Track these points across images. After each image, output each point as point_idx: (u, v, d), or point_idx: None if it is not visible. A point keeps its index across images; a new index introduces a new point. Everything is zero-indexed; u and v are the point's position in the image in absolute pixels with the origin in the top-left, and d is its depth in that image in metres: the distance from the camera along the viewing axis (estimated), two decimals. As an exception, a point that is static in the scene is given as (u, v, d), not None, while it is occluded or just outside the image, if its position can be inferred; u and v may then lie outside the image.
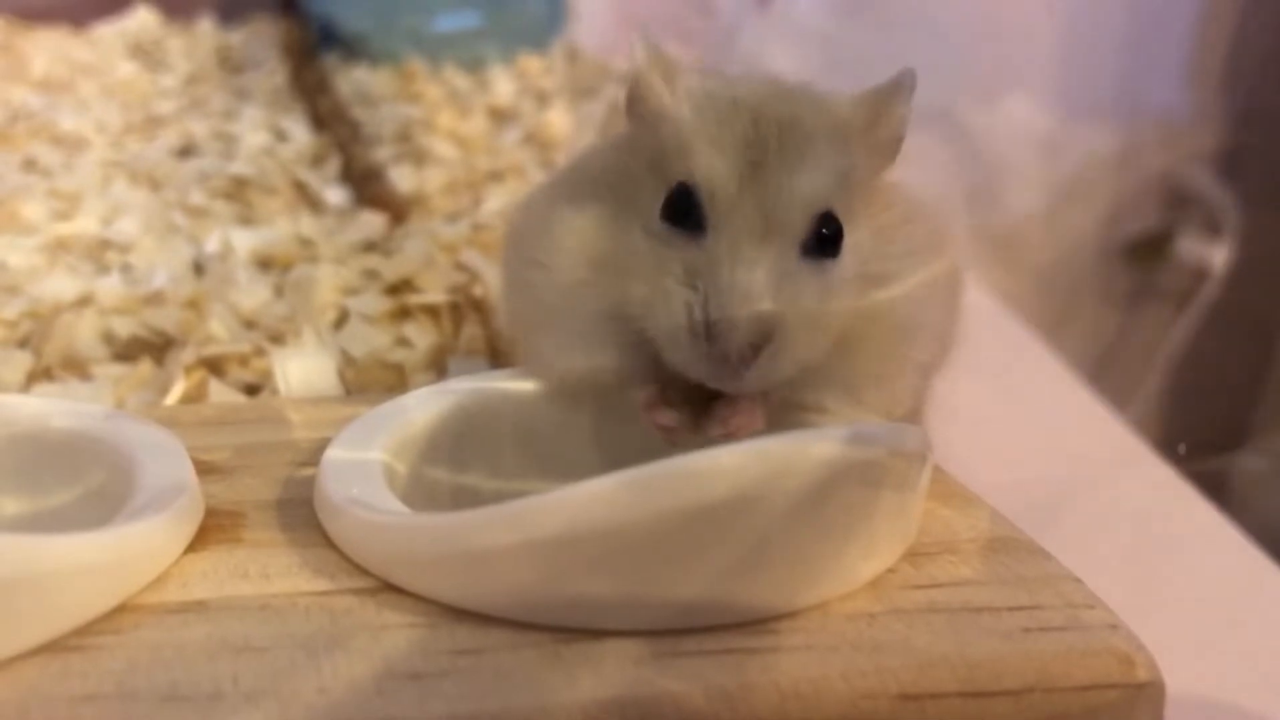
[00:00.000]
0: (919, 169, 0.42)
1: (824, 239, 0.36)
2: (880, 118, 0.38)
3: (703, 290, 0.35)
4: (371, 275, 0.63)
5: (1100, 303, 1.12)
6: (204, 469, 0.38)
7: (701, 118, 0.37)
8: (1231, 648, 0.49)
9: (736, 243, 0.35)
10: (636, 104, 0.39)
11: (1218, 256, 1.04)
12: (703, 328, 0.34)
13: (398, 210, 0.74)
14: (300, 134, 0.87)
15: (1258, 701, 0.46)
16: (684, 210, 0.36)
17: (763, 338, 0.34)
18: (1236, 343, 0.99)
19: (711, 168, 0.36)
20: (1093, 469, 0.66)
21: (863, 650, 0.31)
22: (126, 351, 0.56)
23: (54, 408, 0.39)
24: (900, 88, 0.38)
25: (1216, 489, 0.63)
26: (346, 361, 0.55)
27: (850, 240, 0.37)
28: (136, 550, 0.32)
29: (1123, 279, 1.12)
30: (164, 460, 0.36)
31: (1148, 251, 1.12)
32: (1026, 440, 0.66)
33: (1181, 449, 0.63)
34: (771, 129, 0.36)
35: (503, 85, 1.01)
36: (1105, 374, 1.04)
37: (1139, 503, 0.62)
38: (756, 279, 0.34)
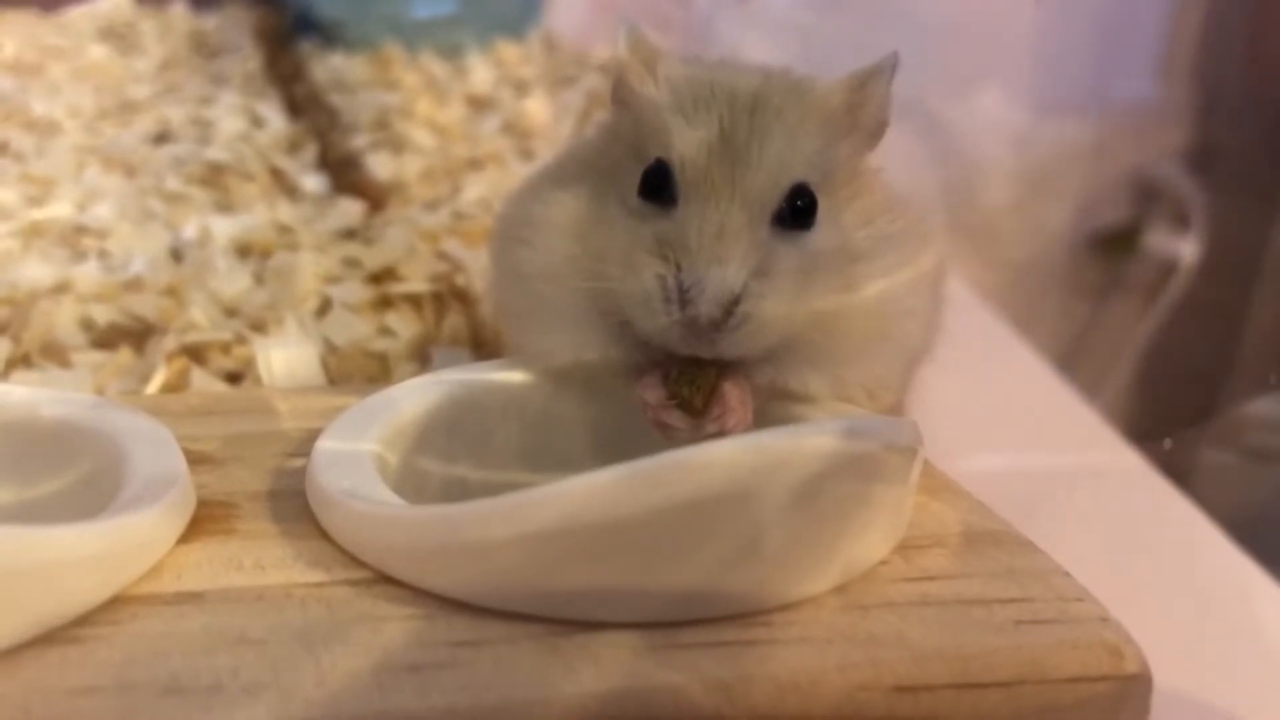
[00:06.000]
0: (892, 162, 0.42)
1: (797, 210, 0.37)
2: (860, 99, 0.39)
3: (673, 258, 0.35)
4: (352, 263, 0.63)
5: (1071, 295, 1.13)
6: (194, 459, 0.37)
7: (678, 98, 0.38)
8: (1198, 635, 0.50)
9: (705, 211, 0.36)
10: (619, 90, 0.40)
11: (1186, 249, 1.05)
12: (675, 293, 0.35)
13: (376, 198, 0.73)
14: (277, 120, 0.86)
15: (1222, 687, 0.47)
16: (658, 184, 0.37)
17: (731, 300, 0.35)
18: (1204, 334, 1.00)
19: (683, 140, 0.36)
20: (1064, 458, 0.66)
21: (857, 643, 0.31)
22: (105, 339, 0.55)
23: (42, 396, 0.38)
24: (881, 70, 0.39)
25: (1184, 478, 0.64)
26: (329, 350, 0.54)
27: (829, 216, 0.38)
28: (130, 541, 0.32)
29: (1093, 271, 1.13)
30: (154, 450, 0.36)
31: (1118, 244, 1.13)
32: (998, 430, 0.66)
33: (1167, 444, 0.64)
34: (745, 105, 0.37)
35: (480, 73, 1.01)
36: (1076, 364, 1.05)
37: (1109, 491, 0.63)
38: (724, 245, 0.35)
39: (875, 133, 0.40)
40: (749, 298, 0.35)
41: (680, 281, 0.35)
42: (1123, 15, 1.12)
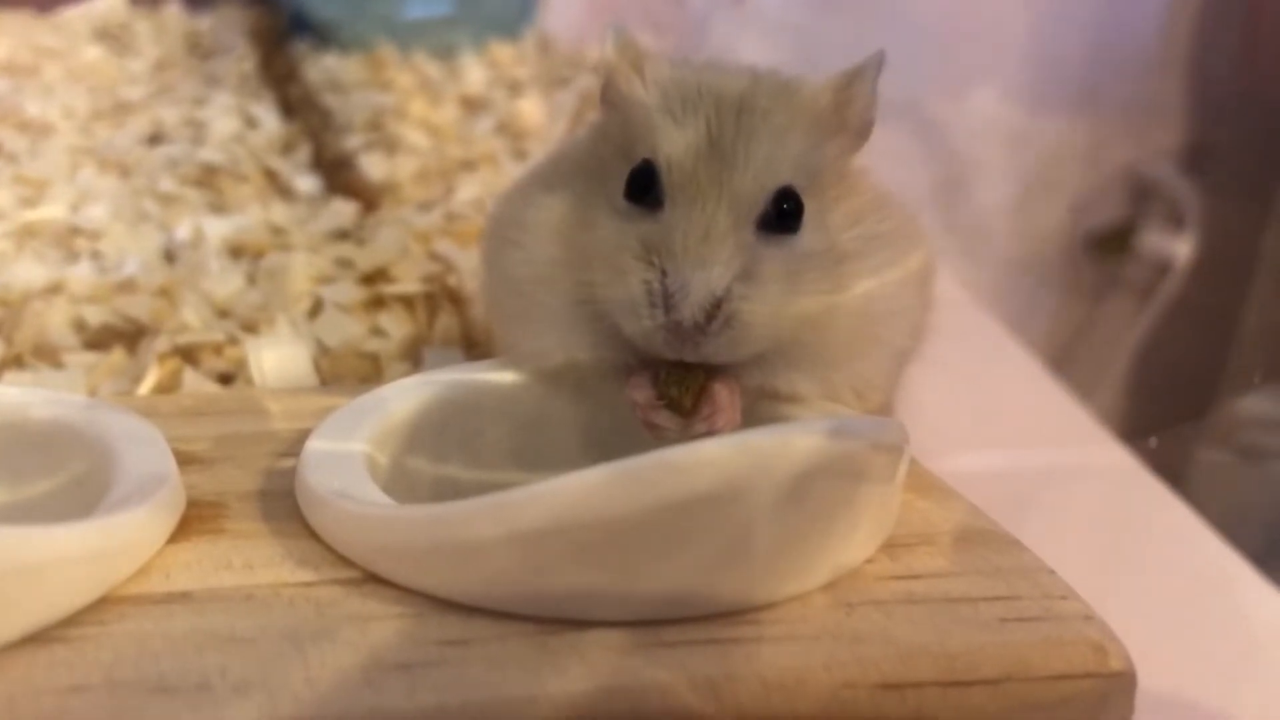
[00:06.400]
0: (887, 161, 0.43)
1: (783, 214, 0.37)
2: (847, 99, 0.39)
3: (658, 262, 0.35)
4: (345, 264, 0.63)
5: (1065, 294, 1.13)
6: (184, 459, 0.38)
7: (666, 100, 0.38)
8: (1189, 633, 0.50)
9: (691, 214, 0.36)
10: (608, 91, 0.40)
11: (1181, 249, 1.05)
12: (659, 298, 0.35)
13: (369, 199, 0.73)
14: (270, 121, 0.86)
15: (1213, 685, 0.47)
16: (644, 186, 0.37)
17: (715, 305, 0.35)
18: (1198, 333, 1.00)
19: (670, 143, 0.37)
20: (1057, 457, 0.66)
21: (843, 641, 0.31)
22: (98, 339, 0.55)
23: (33, 397, 0.38)
24: (867, 70, 0.39)
25: (1177, 477, 0.64)
26: (321, 351, 0.55)
27: (816, 218, 0.38)
28: (119, 541, 0.32)
29: (1087, 270, 1.14)
30: (144, 450, 0.36)
31: (1112, 243, 1.13)
32: (992, 429, 0.67)
33: (1153, 442, 0.64)
34: (732, 108, 0.37)
35: (474, 74, 1.01)
36: (1070, 364, 1.06)
37: (1102, 490, 0.63)
38: (709, 248, 0.35)
39: (862, 133, 0.40)
40: (732, 300, 0.35)
41: (665, 286, 0.35)
42: (1117, 14, 1.12)
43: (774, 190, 0.37)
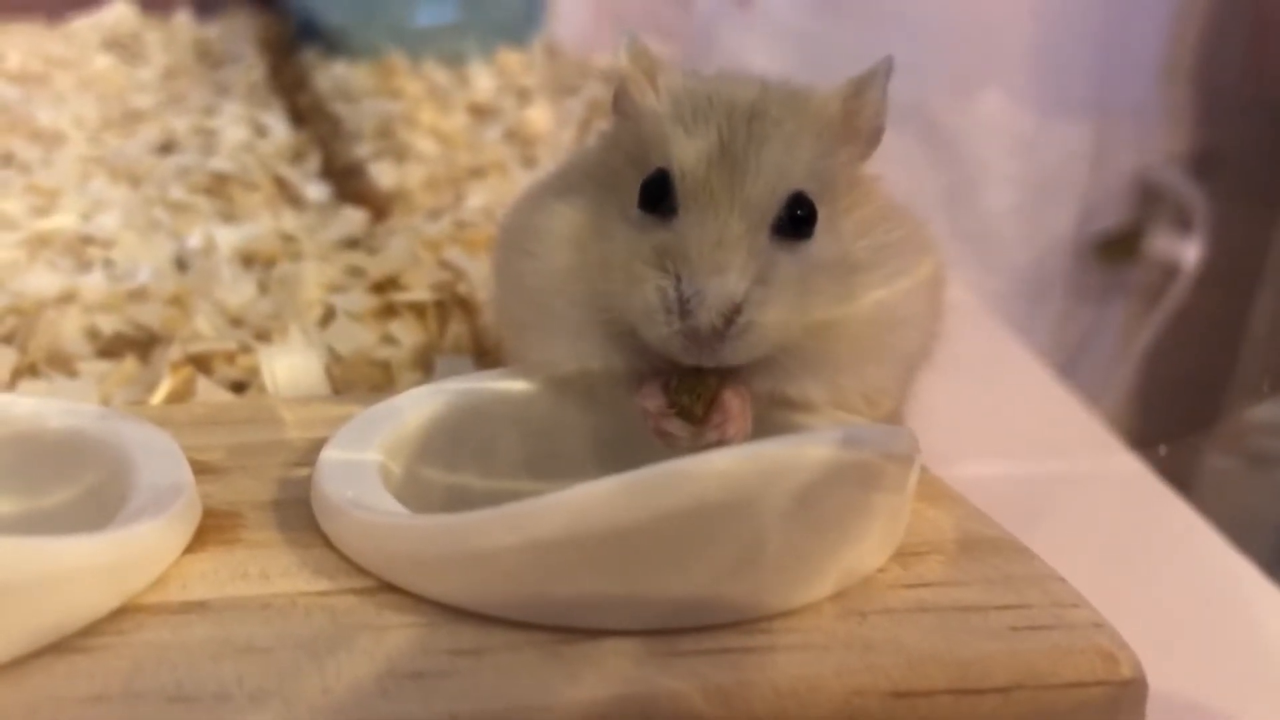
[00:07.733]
0: (894, 166, 0.43)
1: (796, 220, 0.37)
2: (857, 106, 0.39)
3: (673, 269, 0.36)
4: (356, 272, 0.63)
5: (1072, 299, 1.13)
6: (199, 469, 0.38)
7: (678, 109, 0.38)
8: (1200, 640, 0.50)
9: (704, 221, 0.36)
10: (620, 100, 0.40)
11: (1188, 253, 1.05)
12: (675, 304, 0.35)
13: (379, 206, 0.74)
14: (280, 129, 0.87)
15: (1224, 692, 0.47)
16: (658, 195, 0.37)
17: (732, 310, 0.35)
18: (1206, 338, 1.00)
19: (683, 151, 0.37)
20: (1065, 463, 0.66)
21: (855, 649, 0.31)
22: (111, 348, 0.56)
23: (49, 407, 0.39)
24: (876, 76, 0.39)
25: (1186, 483, 0.64)
26: (333, 359, 0.55)
27: (828, 225, 0.38)
28: (137, 551, 0.32)
29: (1095, 275, 1.14)
30: (161, 460, 0.37)
31: (1119, 248, 1.13)
32: (1000, 436, 0.67)
33: (1163, 450, 0.64)
34: (743, 116, 0.37)
35: (483, 81, 1.01)
36: (1078, 368, 1.06)
37: (1111, 497, 0.63)
38: (723, 254, 0.35)
39: (872, 139, 0.40)
40: (750, 306, 0.35)
41: (680, 292, 0.35)
42: (1124, 19, 1.12)
43: (786, 196, 0.37)
